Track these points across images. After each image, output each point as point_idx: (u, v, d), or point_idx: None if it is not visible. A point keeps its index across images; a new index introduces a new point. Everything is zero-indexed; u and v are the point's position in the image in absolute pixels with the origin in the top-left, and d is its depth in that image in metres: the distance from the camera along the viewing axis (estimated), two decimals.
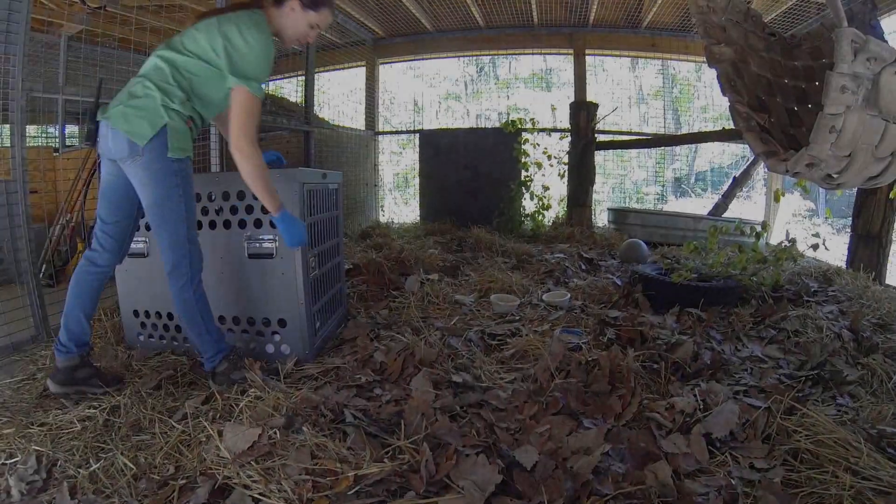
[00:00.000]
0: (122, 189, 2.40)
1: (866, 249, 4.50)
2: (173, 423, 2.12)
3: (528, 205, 7.37)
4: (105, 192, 2.43)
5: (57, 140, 6.90)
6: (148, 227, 2.84)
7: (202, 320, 2.46)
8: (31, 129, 8.21)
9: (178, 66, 2.33)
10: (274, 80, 8.13)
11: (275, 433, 1.93)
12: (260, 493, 1.65)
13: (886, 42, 2.31)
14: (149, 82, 2.29)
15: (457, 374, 2.48)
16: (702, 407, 2.13)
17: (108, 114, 2.29)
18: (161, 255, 2.41)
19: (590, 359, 2.50)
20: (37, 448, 1.96)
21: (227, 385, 2.45)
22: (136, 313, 2.97)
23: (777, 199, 5.47)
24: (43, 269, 4.25)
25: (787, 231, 4.11)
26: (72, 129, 8.61)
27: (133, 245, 2.87)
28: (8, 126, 3.15)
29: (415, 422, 2.03)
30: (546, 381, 2.39)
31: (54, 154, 6.02)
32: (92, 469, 1.86)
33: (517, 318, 3.45)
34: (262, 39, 2.36)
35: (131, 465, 1.87)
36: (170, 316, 2.90)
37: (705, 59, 3.17)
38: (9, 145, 3.13)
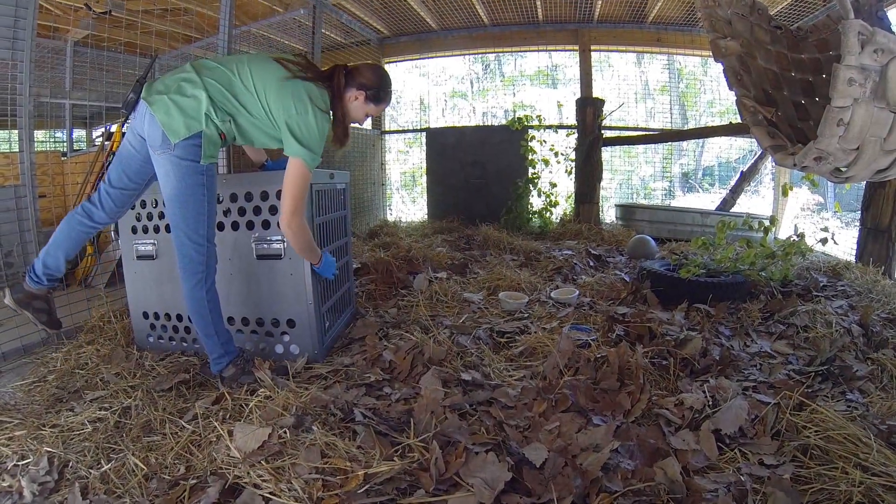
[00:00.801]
0: (138, 163, 2.48)
1: (876, 243, 4.47)
2: (184, 424, 2.14)
3: (536, 202, 7.36)
4: (121, 159, 2.51)
5: (65, 144, 6.94)
6: (157, 230, 2.87)
7: (212, 321, 2.48)
8: (39, 134, 8.27)
9: (236, 93, 2.41)
10: None
11: (285, 432, 1.94)
12: (270, 493, 1.66)
13: (894, 34, 2.29)
14: (201, 88, 2.34)
15: (466, 372, 2.49)
16: (711, 403, 2.13)
17: (152, 98, 2.32)
18: (176, 250, 2.43)
19: (598, 355, 2.50)
20: (48, 449, 1.98)
21: (235, 386, 2.46)
22: (145, 315, 2.99)
23: (785, 194, 5.45)
24: None
25: (795, 225, 4.09)
26: (79, 133, 8.66)
27: (142, 247, 2.90)
28: (16, 131, 3.17)
29: (424, 420, 2.03)
30: (555, 378, 2.39)
31: (62, 158, 6.06)
32: (103, 470, 1.88)
33: (526, 315, 3.45)
34: (325, 119, 2.47)
35: (142, 466, 1.88)
36: (179, 317, 2.92)
37: (711, 54, 3.16)
38: (17, 150, 3.16)
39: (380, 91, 2.61)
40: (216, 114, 2.35)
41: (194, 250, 2.40)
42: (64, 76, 6.38)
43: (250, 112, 2.43)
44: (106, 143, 4.98)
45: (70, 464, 1.93)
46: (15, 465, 1.91)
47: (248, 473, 1.75)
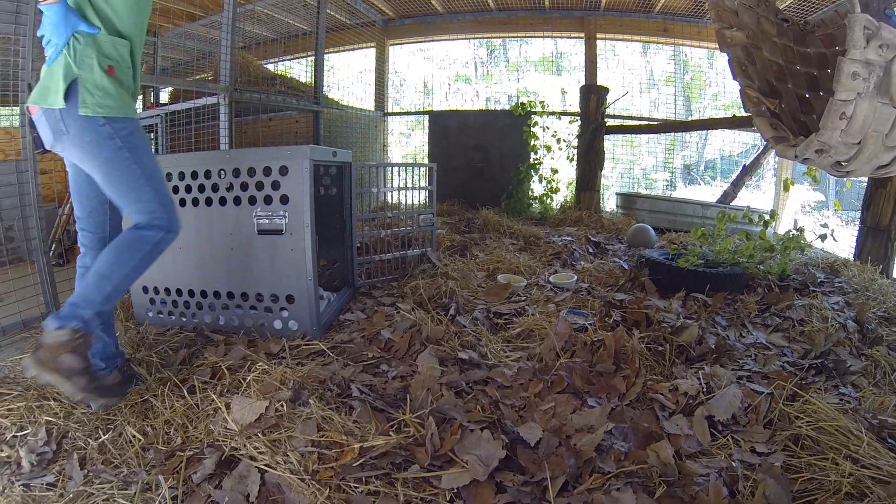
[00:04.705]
0: (80, 176, 2.23)
1: (875, 242, 4.47)
2: (182, 395, 2.15)
3: (537, 188, 7.41)
4: (71, 186, 2.28)
5: None
6: None
7: (121, 274, 2.09)
8: None
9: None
10: (283, 60, 8.12)
11: (282, 406, 1.96)
12: (266, 465, 1.68)
13: None
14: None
15: (463, 352, 2.51)
16: (705, 390, 2.15)
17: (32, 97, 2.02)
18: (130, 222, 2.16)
19: (595, 339, 2.52)
20: (47, 419, 2.00)
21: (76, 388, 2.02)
22: (145, 289, 2.99)
23: (786, 189, 5.46)
24: (53, 248, 4.28)
25: (795, 220, 4.10)
26: None
27: None
28: (18, 107, 3.15)
29: (420, 397, 2.05)
30: (551, 360, 2.41)
31: None
32: (101, 440, 1.90)
33: (524, 298, 3.46)
34: None
35: (139, 437, 1.90)
36: (178, 292, 2.93)
37: (717, 44, 3.16)
38: (19, 126, 3.14)
39: None
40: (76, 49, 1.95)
41: (151, 213, 2.12)
42: None
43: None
44: None
45: (68, 434, 1.95)
46: (14, 436, 1.93)
47: (245, 445, 1.77)
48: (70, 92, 1.92)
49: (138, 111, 5.29)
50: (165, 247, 2.17)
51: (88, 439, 1.91)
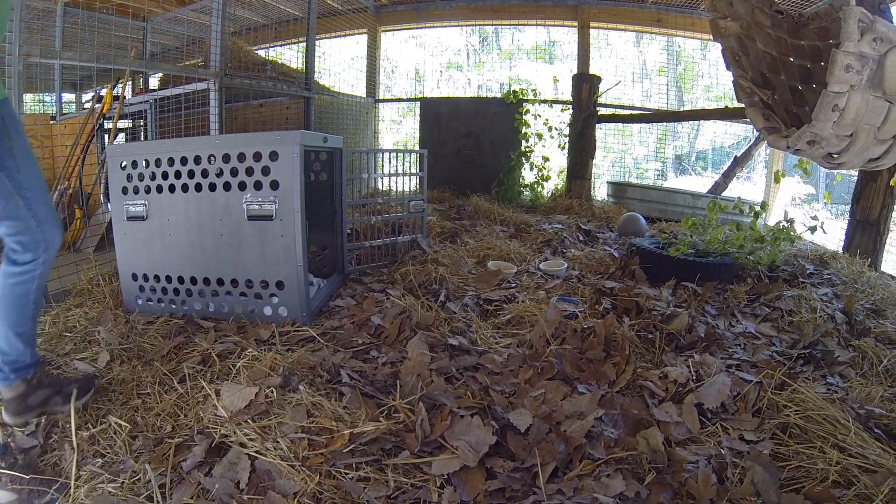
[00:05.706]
0: None
1: (864, 235, 4.49)
2: (172, 383, 2.14)
3: (528, 175, 7.43)
4: None
5: (54, 108, 6.87)
6: (147, 191, 2.85)
7: None
8: (28, 98, 8.18)
9: None
10: (274, 46, 8.06)
11: (271, 392, 1.95)
12: (256, 451, 1.68)
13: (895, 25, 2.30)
14: None
15: (453, 338, 2.51)
16: (694, 378, 2.16)
17: None
18: None
19: (585, 326, 2.52)
20: None
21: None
22: (134, 277, 2.96)
23: (777, 181, 5.47)
24: None
25: (785, 211, 4.11)
26: (68, 96, 8.57)
27: (132, 208, 2.87)
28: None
29: (410, 382, 2.05)
30: (541, 346, 2.42)
31: (51, 121, 5.99)
32: (91, 431, 1.88)
33: (514, 285, 3.47)
34: None
35: (126, 425, 1.88)
36: (168, 279, 2.90)
37: (711, 34, 3.16)
38: None
39: None
40: None
41: None
42: (54, 37, 6.27)
43: None
44: (96, 106, 4.93)
45: (58, 423, 1.94)
46: (3, 425, 1.92)
47: (235, 432, 1.77)
48: None
49: (126, 97, 5.26)
50: None
51: (78, 429, 1.89)
